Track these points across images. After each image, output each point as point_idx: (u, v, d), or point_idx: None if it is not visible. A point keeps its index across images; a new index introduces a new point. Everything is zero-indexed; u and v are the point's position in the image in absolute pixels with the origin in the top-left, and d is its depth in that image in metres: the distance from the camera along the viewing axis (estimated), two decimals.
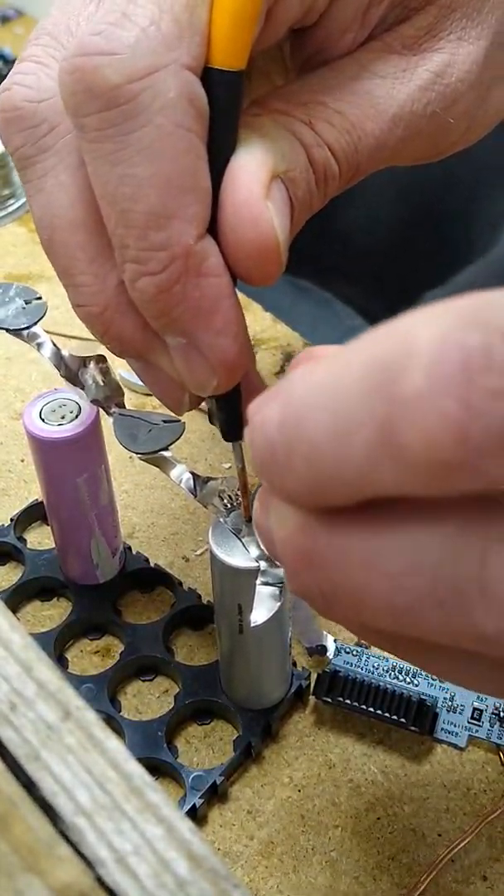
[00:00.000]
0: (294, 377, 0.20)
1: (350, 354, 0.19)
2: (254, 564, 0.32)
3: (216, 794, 0.37)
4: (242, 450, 0.31)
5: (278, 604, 0.31)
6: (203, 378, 0.29)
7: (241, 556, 0.33)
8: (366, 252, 0.72)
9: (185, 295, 0.27)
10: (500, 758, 0.38)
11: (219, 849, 0.36)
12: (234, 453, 0.31)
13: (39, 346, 0.37)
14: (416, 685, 0.39)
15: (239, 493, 0.33)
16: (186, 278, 0.27)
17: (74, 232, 0.29)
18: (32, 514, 0.47)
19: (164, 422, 0.34)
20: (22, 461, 0.51)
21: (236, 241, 0.27)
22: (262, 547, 0.26)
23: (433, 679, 0.39)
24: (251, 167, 0.27)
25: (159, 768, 0.37)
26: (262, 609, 0.30)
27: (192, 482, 0.34)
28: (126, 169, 0.26)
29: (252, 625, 0.30)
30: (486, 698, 0.38)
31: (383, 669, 0.40)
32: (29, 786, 0.28)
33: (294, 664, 0.40)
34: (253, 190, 0.27)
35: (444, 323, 0.17)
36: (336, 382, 0.19)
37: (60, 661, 0.42)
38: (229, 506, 0.34)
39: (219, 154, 0.26)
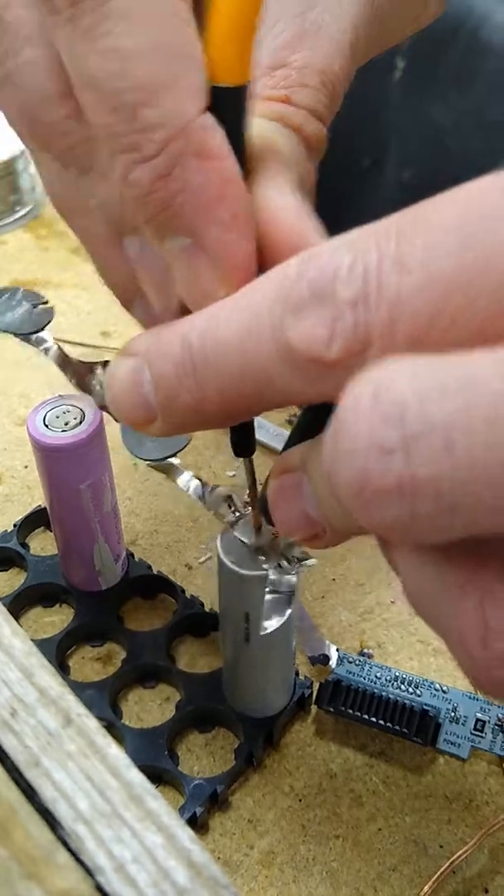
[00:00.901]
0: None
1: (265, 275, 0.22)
2: (262, 572, 0.32)
3: (217, 803, 0.37)
4: (253, 465, 0.31)
5: (288, 611, 0.30)
6: (209, 285, 0.25)
7: (249, 563, 0.33)
8: None
9: (187, 180, 0.24)
10: (503, 769, 0.38)
11: (219, 857, 0.36)
12: (245, 468, 0.31)
13: (46, 350, 0.37)
14: (419, 696, 0.39)
15: (247, 500, 0.33)
16: (187, 159, 0.23)
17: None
18: (35, 520, 0.47)
19: None
20: (25, 467, 0.51)
21: None
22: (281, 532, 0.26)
23: (436, 690, 0.39)
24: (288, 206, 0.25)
25: (160, 776, 0.37)
26: (271, 617, 0.30)
27: (199, 489, 0.34)
28: (108, 42, 0.22)
29: (262, 633, 0.30)
30: (490, 710, 0.38)
31: (386, 679, 0.39)
32: (29, 792, 0.28)
33: (296, 673, 0.39)
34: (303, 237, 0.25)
35: (335, 244, 0.20)
36: (250, 294, 0.21)
37: (62, 668, 0.41)
38: (237, 513, 0.33)
39: None
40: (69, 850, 0.27)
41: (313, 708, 0.40)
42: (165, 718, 0.39)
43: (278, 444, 0.48)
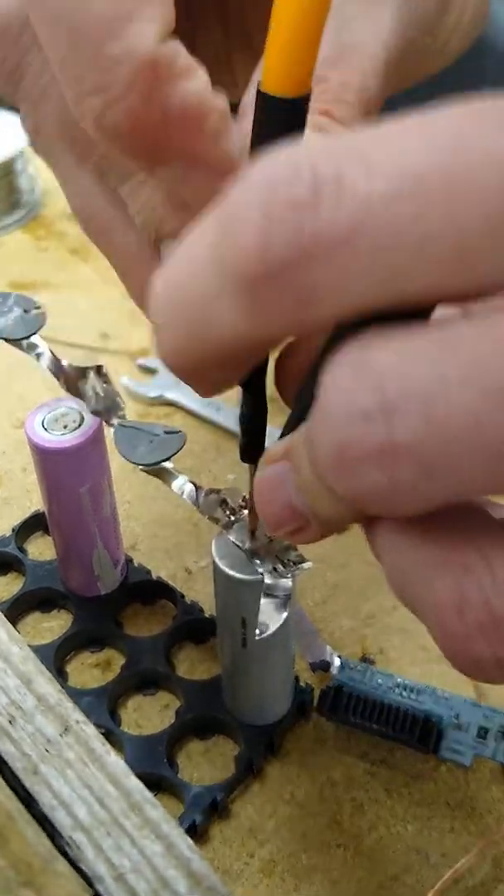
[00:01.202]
0: None
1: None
2: (258, 576, 0.32)
3: (217, 811, 0.36)
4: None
5: (284, 614, 0.30)
6: (207, 197, 0.25)
7: (244, 568, 0.32)
8: None
9: (166, 107, 0.23)
10: None
11: (218, 867, 0.35)
12: (249, 474, 0.31)
13: (38, 356, 0.36)
14: (422, 703, 0.38)
15: (242, 503, 0.33)
16: (159, 87, 0.23)
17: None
18: (34, 525, 0.47)
19: (166, 433, 0.34)
20: (24, 470, 0.50)
21: None
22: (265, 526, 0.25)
23: (439, 697, 0.39)
24: None
25: (159, 784, 0.37)
26: (267, 620, 0.30)
27: (193, 493, 0.33)
28: None
29: (257, 636, 0.30)
30: (493, 717, 0.38)
31: (388, 686, 0.39)
32: (27, 800, 0.28)
33: (297, 679, 0.39)
34: None
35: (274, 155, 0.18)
36: (197, 228, 0.19)
37: (60, 674, 0.41)
38: (232, 517, 0.33)
39: None
40: (68, 858, 0.26)
41: (314, 715, 0.39)
42: (165, 725, 0.39)
43: None
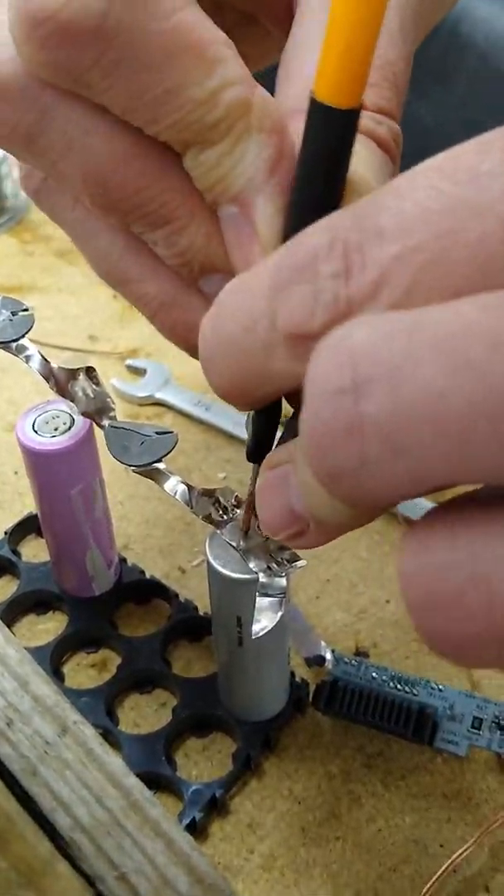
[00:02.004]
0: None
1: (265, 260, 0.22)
2: (253, 575, 0.32)
3: (216, 808, 0.37)
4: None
5: (279, 614, 0.30)
6: (252, 254, 0.27)
7: (239, 567, 0.33)
8: None
9: (245, 154, 0.26)
10: (502, 766, 0.38)
11: (219, 863, 0.35)
12: (252, 475, 0.31)
13: (28, 358, 0.36)
14: (416, 694, 0.39)
15: (235, 502, 0.33)
16: (249, 135, 0.25)
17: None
18: (27, 527, 0.47)
19: (157, 433, 0.34)
20: (15, 473, 0.50)
21: None
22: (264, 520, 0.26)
23: (433, 688, 0.39)
24: None
25: (158, 782, 0.37)
26: (263, 620, 0.30)
27: (186, 493, 0.33)
28: (145, 76, 0.24)
29: (253, 636, 0.30)
30: (487, 707, 0.38)
31: (382, 679, 0.39)
32: (27, 801, 0.28)
33: (292, 675, 0.39)
34: None
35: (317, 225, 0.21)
36: (248, 280, 0.22)
37: (56, 676, 0.41)
38: (225, 517, 0.33)
39: (321, 200, 0.24)
40: (69, 859, 0.27)
41: (310, 710, 0.39)
42: (162, 724, 0.39)
43: None
